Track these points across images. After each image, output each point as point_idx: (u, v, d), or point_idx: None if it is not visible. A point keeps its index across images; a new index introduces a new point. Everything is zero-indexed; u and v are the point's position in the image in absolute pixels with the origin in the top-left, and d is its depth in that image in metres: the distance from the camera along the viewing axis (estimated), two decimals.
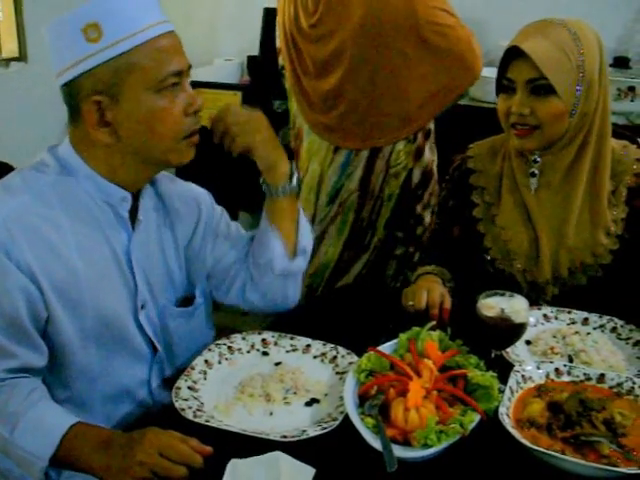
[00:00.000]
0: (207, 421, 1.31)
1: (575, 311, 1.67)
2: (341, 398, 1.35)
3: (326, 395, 1.42)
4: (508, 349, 1.49)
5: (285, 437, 1.27)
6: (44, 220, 1.34)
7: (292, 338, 1.58)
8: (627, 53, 3.24)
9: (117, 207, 1.42)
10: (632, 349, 1.56)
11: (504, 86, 1.71)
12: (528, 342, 1.58)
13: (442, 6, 2.14)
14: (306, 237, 1.62)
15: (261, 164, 1.52)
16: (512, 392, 1.34)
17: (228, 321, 1.71)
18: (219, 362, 1.51)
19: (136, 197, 1.46)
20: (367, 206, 2.35)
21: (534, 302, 1.71)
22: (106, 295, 1.41)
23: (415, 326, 1.47)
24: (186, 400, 1.37)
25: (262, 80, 3.62)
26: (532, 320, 1.58)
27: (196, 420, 1.31)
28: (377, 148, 2.29)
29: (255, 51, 3.77)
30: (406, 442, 1.24)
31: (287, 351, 1.56)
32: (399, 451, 1.21)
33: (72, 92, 1.34)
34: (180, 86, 1.36)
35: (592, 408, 1.28)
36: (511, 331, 1.41)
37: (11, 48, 3.49)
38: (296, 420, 1.35)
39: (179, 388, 1.40)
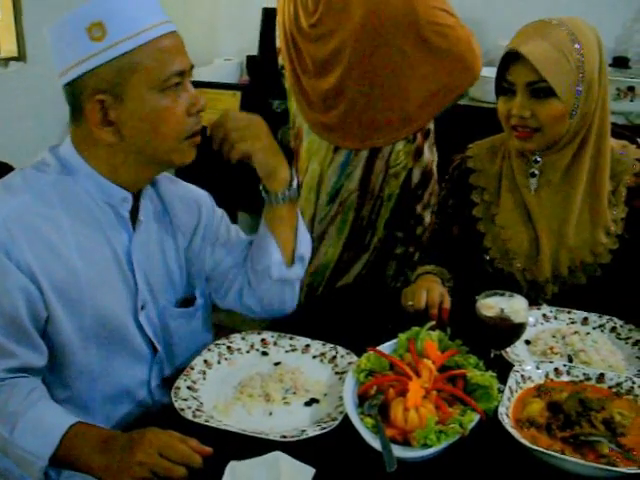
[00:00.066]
0: (206, 421, 1.31)
1: (574, 311, 1.67)
2: (340, 398, 1.35)
3: (325, 395, 1.42)
4: (507, 349, 1.49)
5: (284, 437, 1.27)
6: (44, 220, 1.34)
7: (291, 338, 1.58)
8: (626, 53, 3.23)
9: (118, 207, 1.42)
10: (631, 349, 1.56)
11: (504, 88, 1.71)
12: (527, 342, 1.58)
13: (442, 6, 2.14)
14: (304, 245, 1.61)
15: (261, 170, 1.52)
16: (511, 392, 1.34)
17: (228, 321, 1.71)
18: (218, 362, 1.51)
19: (137, 198, 1.46)
20: (367, 206, 2.35)
21: (533, 302, 1.71)
22: (106, 295, 1.41)
23: (414, 326, 1.47)
24: (185, 400, 1.37)
25: (261, 80, 3.62)
26: (531, 320, 1.58)
27: (195, 420, 1.31)
28: (376, 148, 2.29)
29: (254, 51, 3.77)
30: (406, 442, 1.24)
31: (286, 351, 1.56)
32: (399, 451, 1.21)
33: (75, 91, 1.33)
34: (183, 86, 1.37)
35: (591, 408, 1.28)
36: (510, 331, 1.41)
37: (10, 48, 3.49)
38: (295, 420, 1.35)
39: (178, 388, 1.39)
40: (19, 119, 3.25)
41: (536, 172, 1.75)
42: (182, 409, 1.33)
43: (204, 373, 1.47)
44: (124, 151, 1.37)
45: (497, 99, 1.75)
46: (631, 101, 3.00)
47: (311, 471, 1.19)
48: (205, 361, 1.50)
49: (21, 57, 3.47)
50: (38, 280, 1.31)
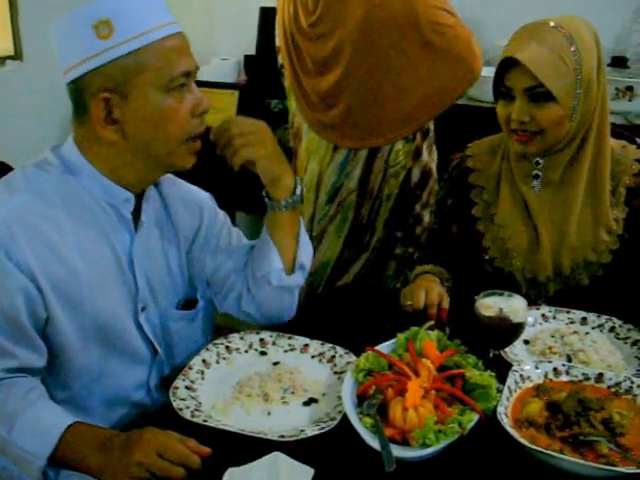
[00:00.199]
0: (205, 421, 1.31)
1: (573, 311, 1.67)
2: (339, 398, 1.35)
3: (324, 395, 1.42)
4: (506, 349, 1.49)
5: (283, 437, 1.27)
6: (45, 219, 1.34)
7: (290, 338, 1.58)
8: (625, 53, 3.24)
9: (120, 208, 1.41)
10: (630, 349, 1.56)
11: (502, 92, 1.71)
12: (526, 342, 1.58)
13: (442, 5, 2.14)
14: (305, 253, 1.60)
15: (264, 177, 1.50)
16: (510, 392, 1.34)
17: (226, 321, 1.70)
18: (217, 362, 1.51)
19: (139, 198, 1.46)
20: (366, 205, 2.35)
21: (533, 301, 1.71)
22: (106, 296, 1.40)
23: (413, 326, 1.47)
24: (184, 400, 1.36)
25: (259, 79, 3.62)
26: (530, 320, 1.58)
27: (194, 420, 1.30)
28: (376, 147, 2.29)
29: (252, 50, 3.77)
30: (404, 442, 1.24)
31: (285, 351, 1.56)
32: (397, 451, 1.21)
33: (79, 89, 1.33)
34: (187, 87, 1.36)
35: (590, 408, 1.28)
36: (509, 331, 1.41)
37: (6, 46, 3.47)
38: (294, 420, 1.35)
39: (177, 388, 1.39)
40: (16, 118, 3.24)
41: (539, 174, 1.75)
42: (180, 409, 1.33)
43: (202, 373, 1.47)
44: (127, 151, 1.37)
45: (495, 102, 1.75)
46: (630, 101, 3.00)
47: (310, 471, 1.19)
48: (203, 361, 1.50)
49: (18, 56, 3.46)
50: (38, 280, 1.31)
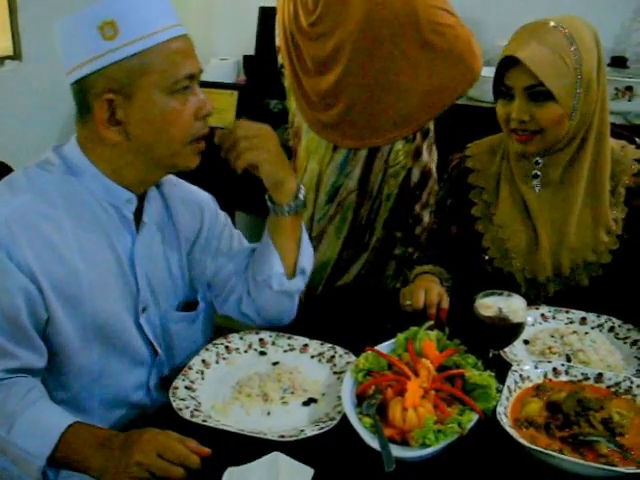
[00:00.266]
0: (204, 421, 1.31)
1: (573, 311, 1.67)
2: (339, 398, 1.35)
3: (324, 395, 1.42)
4: (506, 349, 1.49)
5: (283, 437, 1.27)
6: (46, 220, 1.33)
7: (289, 338, 1.58)
8: (625, 53, 3.23)
9: (122, 209, 1.41)
10: (630, 348, 1.56)
11: (502, 92, 1.70)
12: (526, 342, 1.58)
13: (442, 5, 2.13)
14: (306, 258, 1.60)
15: (267, 181, 1.50)
16: (510, 392, 1.34)
17: (226, 321, 1.70)
18: (216, 362, 1.51)
19: (141, 199, 1.45)
20: (366, 205, 2.35)
21: (533, 301, 1.71)
22: (107, 297, 1.40)
23: (413, 326, 1.47)
24: (183, 400, 1.36)
25: (258, 79, 3.62)
26: (530, 320, 1.58)
27: (193, 420, 1.30)
28: (375, 147, 2.29)
29: (251, 50, 3.77)
30: (404, 442, 1.24)
31: (285, 351, 1.56)
32: (397, 451, 1.21)
33: (83, 89, 1.33)
34: (191, 89, 1.36)
35: (590, 407, 1.28)
36: (509, 331, 1.41)
37: (5, 46, 3.46)
38: (294, 420, 1.35)
39: (176, 388, 1.39)
40: (15, 118, 3.23)
41: (538, 174, 1.75)
42: (180, 409, 1.33)
43: (202, 373, 1.47)
44: (129, 152, 1.36)
45: (495, 101, 1.74)
46: (629, 101, 3.00)
47: (310, 471, 1.19)
48: (203, 361, 1.50)
49: (17, 56, 3.45)
50: (38, 280, 1.31)
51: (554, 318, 1.66)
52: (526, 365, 1.41)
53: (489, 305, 1.40)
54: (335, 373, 1.48)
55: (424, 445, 1.21)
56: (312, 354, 1.54)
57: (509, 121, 1.69)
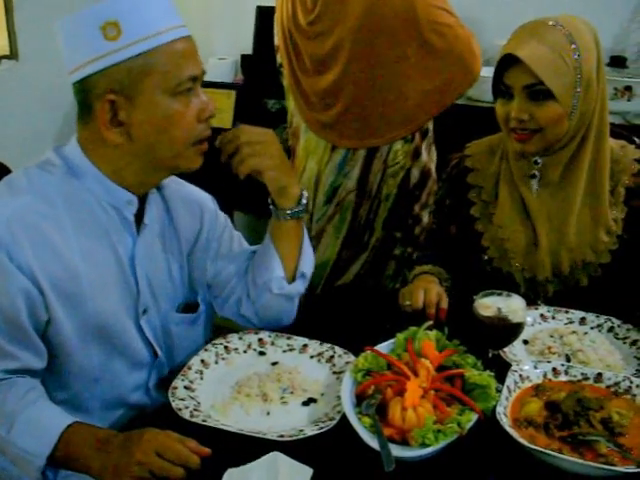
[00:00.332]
0: (204, 421, 1.30)
1: (572, 311, 1.67)
2: (338, 398, 1.35)
3: (323, 395, 1.42)
4: (505, 349, 1.49)
5: (282, 437, 1.26)
6: (47, 220, 1.33)
7: (289, 338, 1.58)
8: (624, 52, 3.23)
9: (123, 210, 1.41)
10: (629, 348, 1.56)
11: (501, 91, 1.70)
12: (525, 342, 1.58)
13: (442, 5, 2.13)
14: (307, 262, 1.60)
15: (271, 187, 1.50)
16: (509, 391, 1.34)
17: (225, 321, 1.70)
18: (216, 362, 1.51)
19: (142, 201, 1.45)
20: (365, 205, 2.35)
21: (532, 301, 1.71)
22: (107, 298, 1.40)
23: (412, 326, 1.47)
24: (183, 400, 1.36)
25: (256, 79, 3.62)
26: (529, 320, 1.58)
27: (193, 420, 1.30)
28: (374, 147, 2.29)
29: (249, 50, 3.76)
30: (404, 441, 1.24)
31: (284, 351, 1.56)
32: (397, 450, 1.21)
33: (85, 90, 1.32)
34: (194, 91, 1.36)
35: (590, 407, 1.28)
36: (508, 331, 1.41)
37: (1, 45, 3.46)
38: (293, 420, 1.35)
39: (176, 388, 1.39)
40: (11, 117, 3.23)
41: (537, 174, 1.75)
42: (179, 409, 1.33)
43: (201, 373, 1.47)
44: (131, 153, 1.36)
45: (495, 101, 1.74)
46: (628, 101, 2.99)
47: (309, 471, 1.19)
48: (202, 361, 1.49)
49: (13, 55, 3.45)
50: (39, 282, 1.30)
51: (553, 318, 1.66)
52: (525, 365, 1.41)
53: (488, 305, 1.40)
54: (334, 373, 1.48)
55: (424, 445, 1.21)
56: (311, 354, 1.54)
57: (508, 120, 1.69)
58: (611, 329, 1.61)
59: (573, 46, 1.63)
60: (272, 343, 1.57)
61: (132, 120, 1.32)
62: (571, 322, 1.65)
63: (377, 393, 1.32)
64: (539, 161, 1.74)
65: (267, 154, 1.46)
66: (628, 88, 2.99)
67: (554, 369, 1.40)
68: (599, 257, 1.73)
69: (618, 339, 1.59)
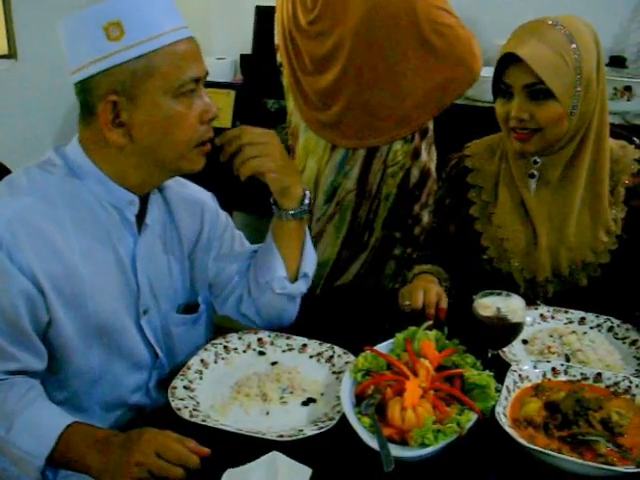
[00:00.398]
0: (203, 421, 1.30)
1: (572, 310, 1.67)
2: (338, 397, 1.34)
3: (322, 395, 1.42)
4: (505, 348, 1.49)
5: (282, 437, 1.26)
6: (48, 221, 1.32)
7: (288, 338, 1.58)
8: (623, 52, 3.24)
9: (124, 210, 1.40)
10: (629, 348, 1.56)
11: (501, 90, 1.70)
12: (525, 341, 1.58)
13: (442, 5, 2.13)
14: (309, 262, 1.60)
15: (274, 188, 1.50)
16: (509, 391, 1.34)
17: (225, 321, 1.70)
18: (215, 362, 1.51)
19: (144, 201, 1.45)
20: (364, 205, 2.35)
21: (531, 301, 1.71)
22: (108, 299, 1.40)
23: (412, 325, 1.47)
24: (182, 400, 1.36)
25: (255, 79, 3.62)
26: (529, 319, 1.57)
27: (192, 420, 1.30)
28: (374, 147, 2.29)
29: (248, 50, 3.76)
30: (403, 441, 1.23)
31: (283, 351, 1.56)
32: (396, 450, 1.21)
33: (87, 90, 1.31)
34: (197, 93, 1.35)
35: (589, 407, 1.28)
36: (508, 331, 1.41)
37: (0, 45, 3.46)
38: (293, 420, 1.34)
39: (175, 388, 1.39)
40: (9, 117, 3.23)
41: (535, 173, 1.75)
42: (179, 409, 1.33)
43: (201, 373, 1.46)
44: (133, 154, 1.35)
45: (494, 100, 1.74)
46: (628, 101, 3.00)
47: (308, 471, 1.19)
48: (202, 361, 1.49)
49: (12, 55, 3.45)
50: (40, 283, 1.30)
51: (553, 318, 1.66)
52: (525, 365, 1.41)
53: (488, 305, 1.40)
54: (334, 373, 1.48)
55: (423, 445, 1.21)
56: (311, 354, 1.54)
57: (508, 120, 1.69)
58: (610, 329, 1.61)
59: (573, 46, 1.63)
60: (271, 343, 1.57)
61: (134, 121, 1.31)
62: (570, 322, 1.65)
63: (376, 393, 1.32)
64: (539, 161, 1.74)
65: (269, 155, 1.45)
66: (628, 88, 2.99)
67: (553, 369, 1.40)
68: (599, 257, 1.73)
69: (617, 339, 1.59)
